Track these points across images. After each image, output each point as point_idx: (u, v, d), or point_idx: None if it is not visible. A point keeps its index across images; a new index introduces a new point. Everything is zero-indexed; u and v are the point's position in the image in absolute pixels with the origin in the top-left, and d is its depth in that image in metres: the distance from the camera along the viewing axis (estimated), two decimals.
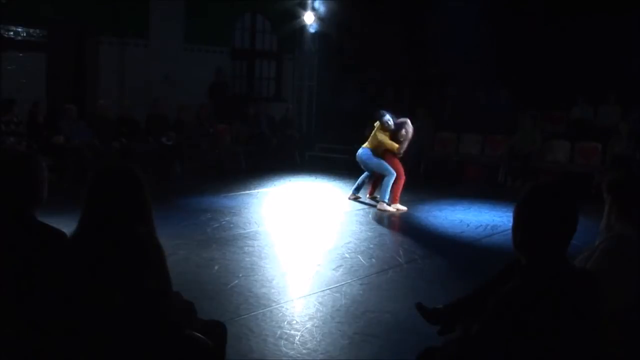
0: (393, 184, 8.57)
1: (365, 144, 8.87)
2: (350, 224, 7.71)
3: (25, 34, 10.18)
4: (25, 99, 9.36)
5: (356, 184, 9.19)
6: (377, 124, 8.78)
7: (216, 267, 5.62)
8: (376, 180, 9.08)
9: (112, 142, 9.99)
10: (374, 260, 6.07)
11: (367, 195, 9.18)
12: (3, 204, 2.50)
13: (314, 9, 13.80)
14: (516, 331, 2.03)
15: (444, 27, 12.19)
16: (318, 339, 4.08)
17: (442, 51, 12.51)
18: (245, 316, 4.45)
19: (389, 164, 8.63)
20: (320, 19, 13.83)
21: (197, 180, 10.33)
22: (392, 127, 8.66)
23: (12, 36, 9.98)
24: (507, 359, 2.06)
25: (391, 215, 8.39)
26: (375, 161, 8.70)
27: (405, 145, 8.69)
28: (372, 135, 8.82)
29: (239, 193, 9.50)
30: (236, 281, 5.24)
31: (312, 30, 14.05)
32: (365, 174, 9.10)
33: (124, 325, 2.37)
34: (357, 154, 8.93)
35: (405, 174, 8.75)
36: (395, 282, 5.45)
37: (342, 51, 13.82)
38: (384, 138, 8.61)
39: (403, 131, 8.68)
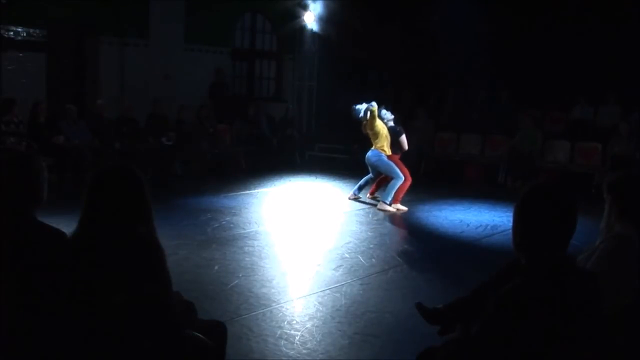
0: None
1: (374, 146, 8.69)
2: (350, 224, 7.70)
3: (25, 34, 10.16)
4: (25, 99, 9.35)
5: (358, 184, 9.15)
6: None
7: (216, 267, 5.62)
8: (380, 181, 9.04)
9: (112, 142, 9.98)
10: (374, 260, 6.07)
11: (368, 195, 9.17)
12: (3, 204, 2.50)
13: (313, 9, 13.80)
14: (516, 331, 2.03)
15: (445, 27, 12.19)
16: (318, 339, 4.08)
17: (443, 51, 12.52)
18: (245, 316, 4.45)
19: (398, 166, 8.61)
20: (320, 18, 13.82)
21: (197, 180, 10.32)
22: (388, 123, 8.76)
23: (12, 36, 9.96)
24: (507, 359, 2.06)
25: (391, 215, 8.39)
26: (385, 163, 8.60)
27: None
28: (372, 134, 8.65)
29: (239, 193, 9.50)
30: (236, 281, 5.24)
31: (312, 30, 14.04)
32: (369, 175, 9.03)
33: (124, 326, 2.37)
34: (367, 155, 8.79)
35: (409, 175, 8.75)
36: (395, 282, 5.45)
37: (342, 51, 13.81)
38: (378, 127, 8.55)
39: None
